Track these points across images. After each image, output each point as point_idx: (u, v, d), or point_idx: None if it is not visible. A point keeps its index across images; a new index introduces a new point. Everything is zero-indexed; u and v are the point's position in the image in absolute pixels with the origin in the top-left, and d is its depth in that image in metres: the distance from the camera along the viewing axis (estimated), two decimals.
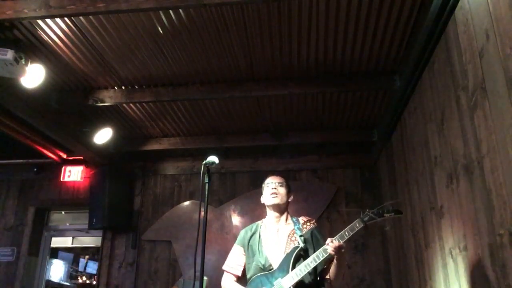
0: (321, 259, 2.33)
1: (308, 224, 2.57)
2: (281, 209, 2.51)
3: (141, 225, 5.03)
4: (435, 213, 2.89)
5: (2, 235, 5.19)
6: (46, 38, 3.08)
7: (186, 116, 4.36)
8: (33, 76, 3.09)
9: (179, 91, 3.75)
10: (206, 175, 2.24)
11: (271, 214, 2.53)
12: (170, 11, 2.81)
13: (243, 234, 2.59)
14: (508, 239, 1.83)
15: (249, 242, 2.51)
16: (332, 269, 2.42)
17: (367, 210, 2.46)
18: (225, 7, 2.78)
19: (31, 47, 3.14)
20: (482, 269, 2.14)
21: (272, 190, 2.49)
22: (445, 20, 2.44)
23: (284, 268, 2.35)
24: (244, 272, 2.51)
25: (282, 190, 2.51)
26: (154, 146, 4.90)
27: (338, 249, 2.31)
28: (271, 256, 2.39)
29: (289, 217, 2.57)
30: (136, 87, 3.80)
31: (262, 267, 2.37)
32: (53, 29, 3.00)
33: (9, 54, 2.80)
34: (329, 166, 4.99)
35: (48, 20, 2.89)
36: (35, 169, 5.33)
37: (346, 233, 2.41)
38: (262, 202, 2.56)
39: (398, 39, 3.09)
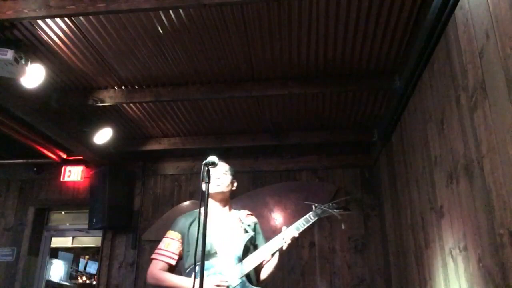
0: (278, 248, 2.30)
1: (251, 217, 2.52)
2: (224, 197, 2.45)
3: (141, 225, 5.03)
4: (435, 213, 2.89)
5: (2, 235, 5.19)
6: (46, 38, 3.08)
7: (186, 116, 4.36)
8: (33, 76, 3.09)
9: (179, 91, 3.75)
10: (206, 175, 2.22)
11: (213, 202, 2.44)
12: (170, 11, 2.81)
13: (182, 221, 2.44)
14: (508, 239, 1.83)
15: (189, 229, 2.38)
16: (268, 266, 2.38)
17: (319, 205, 2.52)
18: (225, 7, 2.78)
19: (31, 47, 3.14)
20: (482, 269, 2.14)
21: (216, 179, 2.40)
22: (445, 20, 2.43)
23: (234, 256, 2.27)
24: (177, 262, 2.37)
25: (226, 179, 2.45)
26: (154, 146, 4.90)
27: (294, 240, 2.29)
28: (216, 242, 2.29)
29: (232, 207, 2.51)
30: (136, 87, 3.80)
31: (206, 254, 2.18)
32: (53, 29, 3.00)
33: (9, 54, 2.80)
34: (329, 166, 4.99)
35: (48, 20, 2.89)
36: (35, 169, 5.33)
37: (302, 224, 2.38)
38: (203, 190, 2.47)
39: (398, 39, 3.09)
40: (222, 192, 2.44)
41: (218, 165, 2.34)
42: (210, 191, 2.36)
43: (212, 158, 2.23)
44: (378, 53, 3.27)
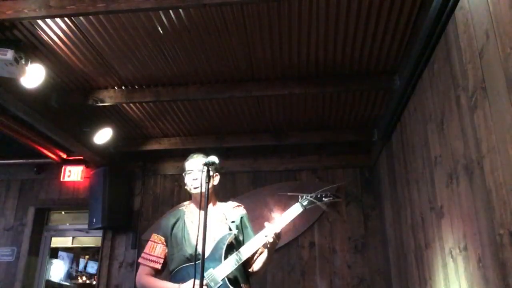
0: (261, 245, 2.26)
1: (238, 209, 2.46)
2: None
3: (141, 225, 5.03)
4: (435, 213, 2.89)
5: (2, 235, 5.19)
6: (46, 38, 3.08)
7: (186, 116, 4.36)
8: (33, 76, 3.09)
9: (179, 91, 3.75)
10: (206, 175, 2.20)
11: (195, 200, 2.38)
12: (170, 11, 2.81)
13: (164, 222, 2.40)
14: (508, 239, 1.83)
15: (172, 230, 2.34)
16: (259, 260, 2.34)
17: (306, 194, 2.44)
18: (225, 7, 2.78)
19: (31, 47, 3.14)
20: (482, 269, 2.14)
21: (194, 180, 2.33)
22: (445, 20, 2.43)
23: (215, 257, 2.21)
24: (164, 265, 2.34)
25: (204, 177, 2.35)
26: (154, 146, 4.90)
27: (277, 235, 2.25)
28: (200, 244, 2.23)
29: (216, 202, 2.45)
30: (136, 87, 3.80)
31: (189, 257, 2.19)
32: (53, 29, 3.00)
33: (9, 54, 2.80)
34: (329, 166, 4.99)
35: (48, 20, 2.89)
36: (35, 169, 5.32)
37: (285, 219, 2.34)
38: (185, 187, 2.42)
39: (398, 39, 3.09)
40: (202, 192, 2.30)
41: (195, 163, 2.33)
42: (191, 192, 2.38)
43: (212, 158, 2.22)
44: (378, 53, 3.27)
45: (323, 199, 2.43)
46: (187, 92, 3.75)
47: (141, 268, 2.36)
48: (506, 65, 1.77)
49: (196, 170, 2.34)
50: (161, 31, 3.03)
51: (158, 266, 2.34)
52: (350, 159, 4.99)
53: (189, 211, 2.41)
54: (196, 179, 2.32)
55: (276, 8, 2.81)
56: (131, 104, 4.08)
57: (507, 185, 1.82)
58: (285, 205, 4.92)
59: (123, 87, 3.81)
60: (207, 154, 2.38)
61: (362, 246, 4.67)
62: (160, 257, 2.34)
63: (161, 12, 2.82)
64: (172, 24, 2.96)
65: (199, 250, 2.18)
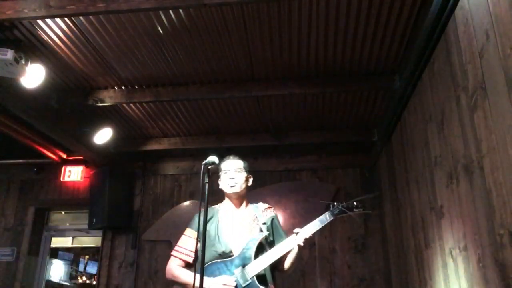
0: (291, 248, 2.33)
1: (268, 211, 2.53)
2: (240, 196, 2.49)
3: (141, 225, 5.03)
4: (435, 213, 2.89)
5: (2, 235, 5.19)
6: (46, 38, 3.08)
7: (186, 116, 4.36)
8: (33, 76, 3.09)
9: (179, 91, 3.75)
10: (206, 175, 2.22)
11: (229, 201, 2.51)
12: (170, 11, 2.81)
13: (198, 218, 2.51)
14: (508, 239, 1.83)
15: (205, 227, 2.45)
16: (288, 259, 2.42)
17: (338, 203, 2.48)
18: (225, 7, 2.78)
19: (31, 47, 3.14)
20: (482, 269, 2.14)
21: (231, 180, 2.45)
22: (445, 20, 2.43)
23: (246, 256, 2.30)
24: (195, 260, 2.39)
25: (241, 177, 2.47)
26: (154, 146, 4.90)
27: (307, 241, 2.33)
28: (232, 242, 2.34)
29: (248, 203, 2.54)
30: (136, 87, 3.80)
31: (221, 254, 2.31)
32: (53, 29, 3.00)
33: (9, 54, 2.80)
34: (329, 166, 4.99)
35: (48, 20, 2.89)
36: (35, 169, 5.32)
37: (316, 225, 2.41)
38: (220, 188, 2.52)
39: (398, 39, 3.09)
40: (237, 193, 2.47)
41: (231, 163, 2.47)
42: (225, 191, 2.48)
43: (212, 158, 2.24)
44: (378, 53, 3.27)
45: (354, 209, 2.43)
46: (187, 92, 3.75)
47: (172, 259, 2.44)
48: (506, 65, 1.77)
49: (233, 170, 2.47)
50: (161, 31, 3.03)
51: (190, 260, 2.41)
52: (350, 159, 4.99)
53: (223, 210, 2.50)
54: (233, 178, 2.45)
55: (276, 8, 2.81)
56: (131, 104, 4.08)
57: (507, 185, 1.82)
58: (285, 205, 4.95)
59: (123, 87, 3.81)
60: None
61: (362, 246, 4.67)
62: (192, 251, 2.41)
63: (161, 12, 2.82)
64: (172, 24, 2.96)
65: (231, 248, 2.32)
